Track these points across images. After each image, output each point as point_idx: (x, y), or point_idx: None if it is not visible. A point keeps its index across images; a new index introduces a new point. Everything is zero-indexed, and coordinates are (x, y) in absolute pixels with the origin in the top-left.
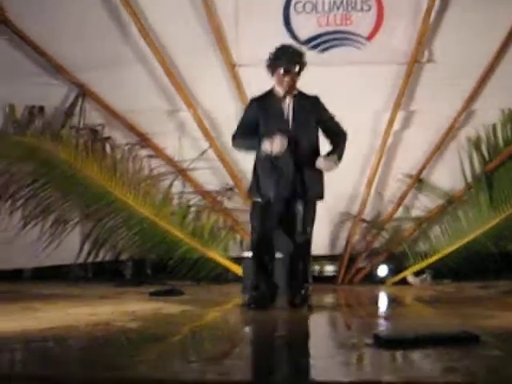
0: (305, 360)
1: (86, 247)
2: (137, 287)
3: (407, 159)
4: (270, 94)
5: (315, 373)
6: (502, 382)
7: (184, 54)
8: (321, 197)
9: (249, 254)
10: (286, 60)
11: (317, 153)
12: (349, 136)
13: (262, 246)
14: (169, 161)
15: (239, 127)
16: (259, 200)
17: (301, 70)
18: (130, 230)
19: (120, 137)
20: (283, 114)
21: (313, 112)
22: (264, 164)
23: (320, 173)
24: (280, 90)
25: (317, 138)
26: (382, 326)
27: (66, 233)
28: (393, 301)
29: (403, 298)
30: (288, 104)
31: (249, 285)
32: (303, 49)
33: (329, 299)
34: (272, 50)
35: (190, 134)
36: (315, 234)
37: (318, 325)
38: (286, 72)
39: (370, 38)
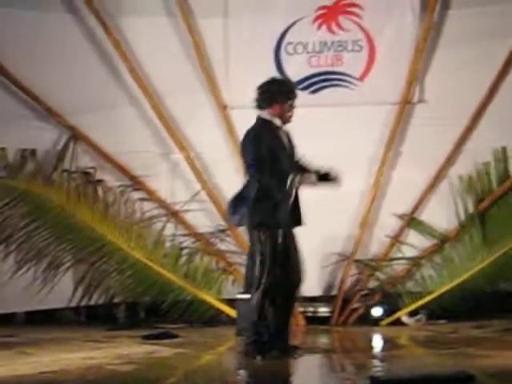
0: None
1: (79, 291)
2: (130, 330)
3: (400, 199)
4: (271, 126)
5: None
6: None
7: (175, 95)
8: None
9: (242, 295)
10: (294, 95)
11: None
12: (341, 176)
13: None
14: (161, 203)
15: (269, 165)
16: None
17: None
18: (122, 274)
19: (112, 179)
20: (285, 146)
21: (293, 145)
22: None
23: None
24: (278, 122)
25: None
26: (378, 367)
27: (58, 277)
28: (388, 342)
29: (398, 339)
30: (283, 136)
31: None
32: None
33: (323, 340)
34: (265, 83)
35: (182, 176)
36: (309, 275)
37: (314, 366)
38: (292, 106)
39: (361, 78)
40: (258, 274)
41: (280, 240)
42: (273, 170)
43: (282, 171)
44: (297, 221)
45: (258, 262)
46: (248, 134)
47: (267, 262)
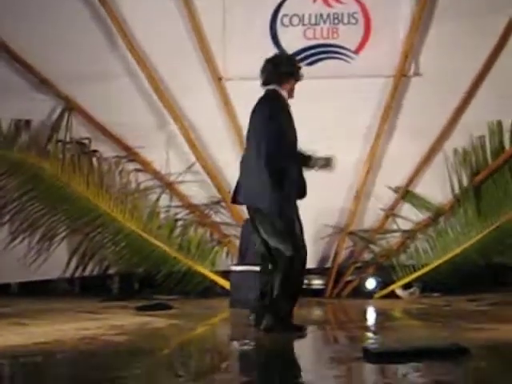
0: (293, 374)
1: (73, 262)
2: (124, 301)
3: (395, 172)
4: (283, 100)
5: None
6: None
7: (171, 67)
8: None
9: (237, 267)
10: (301, 74)
11: None
12: (337, 149)
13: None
14: (156, 174)
15: (281, 139)
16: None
17: None
18: (117, 245)
19: (107, 150)
20: (292, 120)
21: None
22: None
23: None
24: (286, 97)
25: None
26: (371, 339)
27: (53, 247)
28: (381, 314)
29: (392, 312)
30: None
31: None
32: None
33: (317, 313)
34: (277, 59)
35: (177, 147)
36: None
37: (307, 339)
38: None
39: (357, 51)
40: (280, 248)
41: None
42: (282, 142)
43: (290, 144)
44: (302, 192)
45: (276, 237)
46: (263, 102)
47: (286, 236)
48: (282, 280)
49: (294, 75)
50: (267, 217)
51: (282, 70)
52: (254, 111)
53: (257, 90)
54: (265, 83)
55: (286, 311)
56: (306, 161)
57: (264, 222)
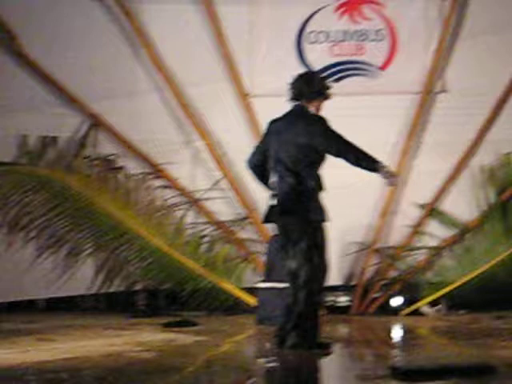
0: None
1: (99, 278)
2: (150, 318)
3: (421, 189)
4: None
5: None
6: None
7: (197, 84)
8: None
9: (263, 284)
10: (330, 91)
11: None
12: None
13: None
14: (182, 191)
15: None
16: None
17: None
18: (143, 261)
19: (133, 167)
20: None
21: None
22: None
23: None
24: None
25: None
26: (398, 357)
27: (79, 264)
28: (408, 332)
29: (418, 329)
30: None
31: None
32: None
33: (343, 330)
34: (309, 77)
35: (203, 164)
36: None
37: (333, 356)
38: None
39: (383, 67)
40: (306, 267)
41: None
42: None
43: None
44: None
45: (302, 254)
46: (301, 115)
47: (314, 252)
48: (306, 296)
49: (324, 95)
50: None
51: (313, 89)
52: (291, 125)
53: (283, 107)
54: (294, 98)
55: (312, 328)
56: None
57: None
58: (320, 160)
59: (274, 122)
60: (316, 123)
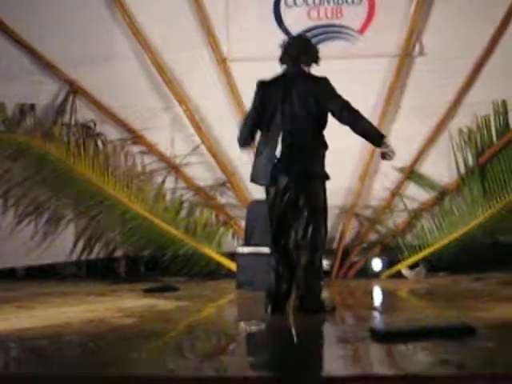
0: (300, 354)
1: (80, 245)
2: (131, 284)
3: (400, 152)
4: None
5: (311, 367)
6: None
7: (175, 49)
8: None
9: (243, 249)
10: None
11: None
12: (341, 130)
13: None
14: (161, 157)
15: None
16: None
17: None
18: (123, 227)
19: (112, 133)
20: None
21: None
22: None
23: None
24: None
25: None
26: (378, 319)
27: (58, 231)
28: (387, 294)
29: (398, 292)
30: None
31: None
32: None
33: (323, 293)
34: (310, 43)
35: (182, 129)
36: None
37: (313, 319)
38: None
39: (361, 31)
40: (322, 228)
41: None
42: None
43: None
44: None
45: (320, 216)
46: (316, 79)
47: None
48: (321, 256)
49: (318, 60)
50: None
51: (311, 53)
52: (297, 87)
53: (261, 71)
54: (295, 61)
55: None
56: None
57: (321, 196)
58: (326, 123)
59: (267, 85)
60: (327, 86)
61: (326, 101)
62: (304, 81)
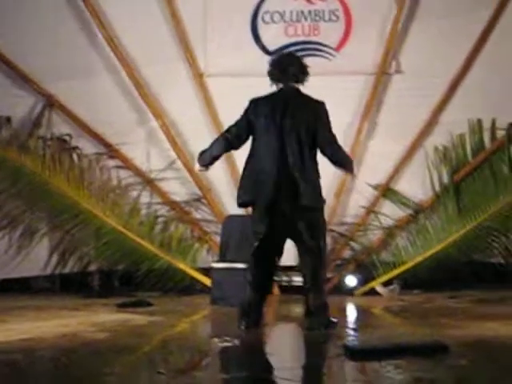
0: (271, 371)
1: (54, 259)
2: (104, 299)
3: (375, 169)
4: None
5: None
6: None
7: (152, 64)
8: None
9: (217, 264)
10: None
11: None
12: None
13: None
14: (137, 171)
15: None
16: None
17: None
18: (97, 241)
19: (88, 147)
20: None
21: None
22: None
23: None
24: None
25: None
26: (352, 336)
27: (33, 244)
28: (362, 311)
29: (372, 309)
30: None
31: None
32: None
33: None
34: (302, 60)
35: (158, 144)
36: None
37: (286, 336)
38: None
39: (338, 48)
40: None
41: None
42: None
43: None
44: None
45: (322, 242)
46: (320, 102)
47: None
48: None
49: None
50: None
51: (305, 72)
52: (296, 108)
53: (238, 87)
54: (293, 80)
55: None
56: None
57: (321, 221)
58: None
59: (259, 102)
60: (323, 109)
61: (317, 127)
62: (302, 100)
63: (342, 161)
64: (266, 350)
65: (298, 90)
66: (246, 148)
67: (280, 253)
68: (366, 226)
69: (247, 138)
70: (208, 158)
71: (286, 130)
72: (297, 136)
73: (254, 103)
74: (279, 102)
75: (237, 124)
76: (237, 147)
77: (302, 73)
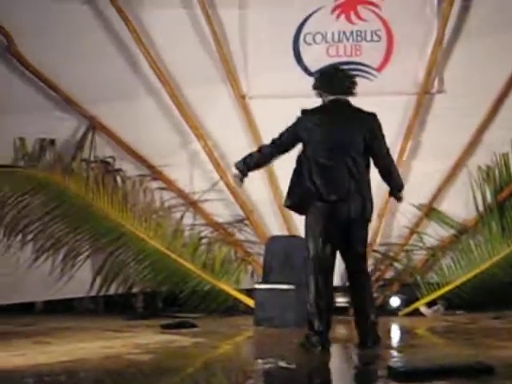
0: None
1: (97, 280)
2: (148, 320)
3: (419, 189)
4: None
5: None
6: None
7: (194, 85)
8: None
9: (261, 285)
10: None
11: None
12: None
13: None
14: (180, 193)
15: None
16: None
17: None
18: (141, 263)
19: (131, 169)
20: None
21: None
22: None
23: None
24: None
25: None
26: (396, 357)
27: (77, 266)
28: (406, 332)
29: (416, 330)
30: None
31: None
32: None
33: (342, 331)
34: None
35: (201, 165)
36: None
37: (332, 357)
38: None
39: (379, 68)
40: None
41: None
42: None
43: None
44: None
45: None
46: (372, 114)
47: None
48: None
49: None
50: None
51: (353, 85)
52: (350, 121)
53: (280, 108)
54: (346, 92)
55: None
56: None
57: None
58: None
59: (311, 114)
60: (376, 121)
61: (373, 139)
62: (354, 111)
63: (394, 174)
64: (311, 371)
65: (348, 102)
66: (288, 168)
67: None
68: (409, 246)
69: (290, 150)
70: (251, 164)
71: (339, 142)
72: (351, 148)
73: (305, 115)
74: (331, 114)
75: (283, 135)
76: (277, 156)
77: (351, 83)
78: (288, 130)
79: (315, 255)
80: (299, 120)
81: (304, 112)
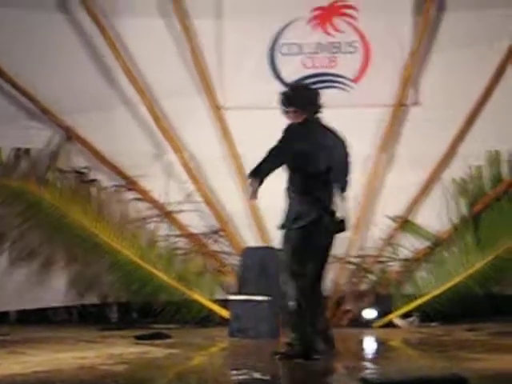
0: None
1: (72, 290)
2: (122, 331)
3: (393, 201)
4: None
5: None
6: None
7: (170, 96)
8: None
9: (236, 297)
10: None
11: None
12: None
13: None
14: (155, 203)
15: None
16: None
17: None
18: (115, 273)
19: (106, 179)
20: None
21: None
22: None
23: None
24: None
25: None
26: (370, 369)
27: (51, 276)
28: (380, 344)
29: (390, 341)
30: None
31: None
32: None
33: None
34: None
35: (176, 176)
36: None
37: (305, 368)
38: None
39: (355, 80)
40: None
41: None
42: None
43: None
44: None
45: None
46: (338, 134)
47: None
48: None
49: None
50: None
51: (320, 103)
52: (340, 145)
53: (256, 119)
54: (317, 112)
55: None
56: None
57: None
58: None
59: (302, 130)
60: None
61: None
62: (333, 132)
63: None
64: (283, 382)
65: (321, 122)
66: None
67: None
68: (384, 258)
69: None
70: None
71: (334, 160)
72: (340, 165)
73: (297, 130)
74: (320, 132)
75: (282, 148)
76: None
77: (317, 101)
78: (284, 145)
79: (315, 277)
80: (292, 135)
81: (294, 129)
